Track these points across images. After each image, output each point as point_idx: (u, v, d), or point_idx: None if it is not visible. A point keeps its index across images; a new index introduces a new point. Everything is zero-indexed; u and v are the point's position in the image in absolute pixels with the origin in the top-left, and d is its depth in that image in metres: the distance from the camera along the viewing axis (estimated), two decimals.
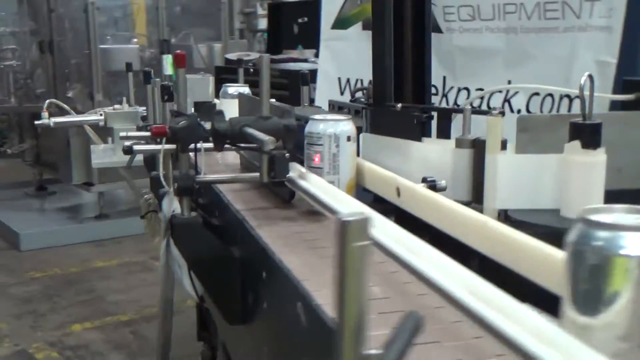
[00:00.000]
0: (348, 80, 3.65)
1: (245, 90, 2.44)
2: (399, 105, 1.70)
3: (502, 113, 1.53)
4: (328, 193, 1.44)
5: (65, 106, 2.61)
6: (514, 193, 1.49)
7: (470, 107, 1.55)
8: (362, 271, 0.66)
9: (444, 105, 3.30)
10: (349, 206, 1.33)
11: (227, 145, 1.62)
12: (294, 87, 4.28)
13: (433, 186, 1.53)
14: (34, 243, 5.90)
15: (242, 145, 1.59)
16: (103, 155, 2.30)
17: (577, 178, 1.42)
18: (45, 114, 2.45)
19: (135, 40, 6.92)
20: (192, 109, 2.63)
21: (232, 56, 5.31)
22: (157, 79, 2.54)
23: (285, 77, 4.34)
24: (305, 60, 4.35)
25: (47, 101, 2.55)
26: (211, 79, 2.66)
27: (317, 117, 1.71)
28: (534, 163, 1.49)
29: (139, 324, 4.63)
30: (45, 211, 6.53)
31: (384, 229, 1.16)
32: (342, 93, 3.65)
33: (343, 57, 3.67)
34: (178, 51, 1.67)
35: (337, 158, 1.71)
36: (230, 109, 2.22)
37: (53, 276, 5.52)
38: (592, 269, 0.81)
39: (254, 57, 4.97)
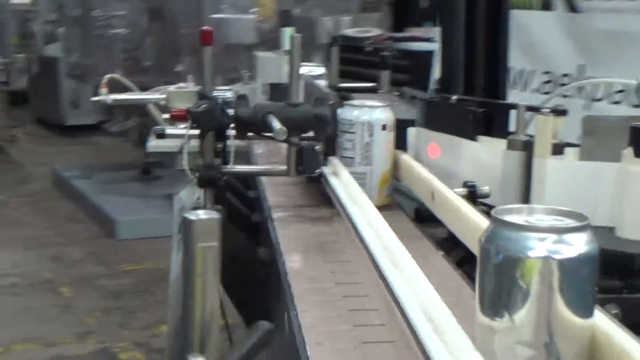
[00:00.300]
0: None
1: (320, 71, 2.51)
2: (454, 97, 1.73)
3: (559, 112, 1.54)
4: (349, 195, 1.50)
5: (127, 81, 2.79)
6: (565, 204, 1.48)
7: (524, 104, 1.56)
8: (209, 273, 0.73)
9: (577, 99, 3.25)
10: (362, 212, 1.39)
11: (250, 134, 1.71)
12: (415, 69, 4.32)
13: (473, 192, 1.56)
14: (130, 232, 6.20)
15: (266, 134, 1.67)
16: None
17: (634, 192, 1.41)
18: (103, 89, 2.63)
19: (254, 10, 7.14)
20: (267, 91, 2.76)
21: (349, 32, 5.40)
22: None
23: (406, 58, 4.38)
24: (429, 40, 4.36)
25: (106, 76, 2.74)
26: (285, 58, 2.76)
27: (352, 102, 1.78)
28: (589, 172, 1.50)
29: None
30: (146, 198, 6.79)
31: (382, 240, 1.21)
32: None
33: None
34: (205, 27, 1.78)
35: (370, 148, 1.79)
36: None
37: (147, 270, 5.82)
38: (496, 269, 0.87)
39: (375, 34, 5.03)
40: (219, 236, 0.73)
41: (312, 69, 2.50)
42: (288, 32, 6.97)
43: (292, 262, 1.47)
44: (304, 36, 4.23)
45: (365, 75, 3.70)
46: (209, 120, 1.69)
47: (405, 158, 1.77)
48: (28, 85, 9.76)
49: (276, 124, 1.56)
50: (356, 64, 4.37)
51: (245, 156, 2.40)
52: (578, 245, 0.86)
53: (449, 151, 1.75)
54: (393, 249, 1.16)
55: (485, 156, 1.66)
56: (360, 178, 1.82)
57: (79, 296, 5.06)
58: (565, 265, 0.85)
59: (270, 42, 7.89)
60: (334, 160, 1.78)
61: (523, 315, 0.85)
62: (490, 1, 1.84)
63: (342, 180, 1.64)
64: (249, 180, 2.14)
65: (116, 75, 2.94)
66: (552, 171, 1.50)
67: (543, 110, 1.49)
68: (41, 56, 9.27)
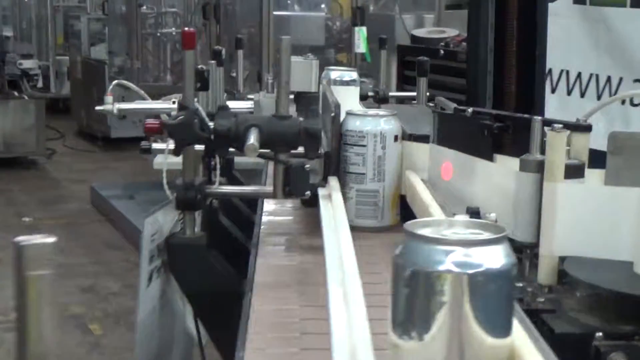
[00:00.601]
0: (550, 72, 3.65)
1: (353, 75, 2.55)
2: (470, 109, 1.76)
3: (579, 127, 1.55)
4: (329, 225, 1.55)
5: (135, 87, 2.87)
6: (579, 235, 1.51)
7: (538, 117, 1.58)
8: (41, 303, 0.79)
9: None
10: (336, 246, 1.42)
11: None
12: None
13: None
14: None
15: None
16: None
17: None
18: (109, 97, 2.71)
19: (323, 6, 7.24)
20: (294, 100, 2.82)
21: (420, 32, 5.44)
22: None
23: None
24: None
25: (114, 82, 2.83)
26: (315, 63, 2.81)
27: (356, 111, 1.83)
28: (608, 198, 1.51)
29: None
30: None
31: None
32: None
33: (548, 39, 3.67)
34: (187, 28, 1.85)
35: (383, 162, 1.86)
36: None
37: None
38: (406, 284, 0.92)
39: (450, 34, 5.05)
40: (50, 264, 0.79)
41: (343, 74, 2.53)
42: (361, 32, 7.06)
43: (258, 296, 1.52)
44: (380, 36, 4.23)
45: (436, 82, 3.72)
46: (185, 134, 1.75)
47: (411, 176, 1.81)
48: (71, 92, 10.03)
49: (251, 139, 1.61)
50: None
51: (257, 176, 2.47)
52: (491, 259, 0.91)
53: (462, 172, 1.78)
54: (348, 288, 1.21)
55: (499, 178, 1.68)
56: (371, 196, 1.89)
57: (110, 334, 5.14)
58: (477, 280, 0.90)
59: (342, 42, 8.01)
60: (332, 181, 1.83)
61: (433, 333, 0.90)
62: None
63: (333, 205, 1.68)
64: (252, 203, 2.21)
65: (124, 82, 3.03)
66: (563, 197, 1.51)
67: (555, 125, 1.50)
68: (86, 59, 9.52)
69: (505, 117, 1.76)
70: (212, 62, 2.52)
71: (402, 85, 5.25)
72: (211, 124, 1.76)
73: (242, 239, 2.07)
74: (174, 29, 7.84)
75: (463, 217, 1.00)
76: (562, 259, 1.54)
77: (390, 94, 3.55)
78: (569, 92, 3.46)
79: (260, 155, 1.76)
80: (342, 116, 1.88)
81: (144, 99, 2.89)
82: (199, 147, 1.87)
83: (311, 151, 1.77)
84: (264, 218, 2.01)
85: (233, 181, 2.46)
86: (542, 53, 1.97)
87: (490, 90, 1.93)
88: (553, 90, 3.61)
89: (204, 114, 1.80)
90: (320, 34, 7.03)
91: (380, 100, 3.39)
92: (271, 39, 6.88)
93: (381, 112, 1.88)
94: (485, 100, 1.95)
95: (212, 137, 1.75)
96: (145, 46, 7.94)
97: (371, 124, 1.85)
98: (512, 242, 1.64)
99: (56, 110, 10.31)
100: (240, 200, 2.31)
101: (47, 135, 8.97)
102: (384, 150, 1.85)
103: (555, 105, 3.42)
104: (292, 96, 2.94)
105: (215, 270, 1.87)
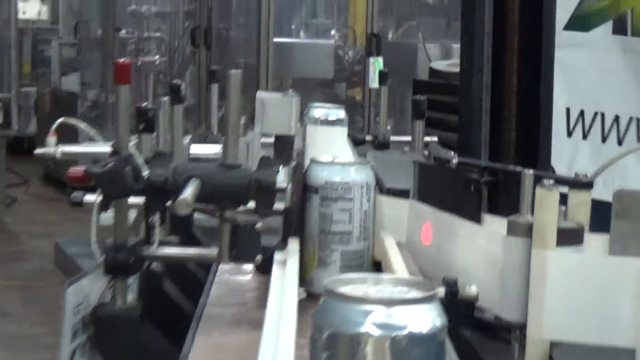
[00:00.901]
0: (582, 113, 3.63)
1: (340, 114, 2.53)
2: (454, 160, 1.75)
3: (576, 184, 1.54)
4: (276, 298, 1.54)
5: (83, 125, 2.85)
6: (573, 317, 1.50)
7: (530, 170, 1.57)
8: None
9: None
10: (276, 323, 1.42)
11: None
12: None
13: (452, 293, 1.57)
14: None
15: (199, 207, 1.73)
16: None
17: None
18: (52, 138, 2.70)
19: (333, 32, 7.27)
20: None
21: (439, 65, 5.45)
22: None
23: None
24: None
25: (58, 121, 2.82)
26: (295, 101, 2.79)
27: (322, 159, 1.84)
28: (607, 270, 1.49)
29: None
30: None
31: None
32: (569, 133, 3.64)
33: (579, 75, 3.65)
34: (122, 59, 1.85)
35: (368, 217, 1.87)
36: (318, 144, 2.36)
37: None
38: (325, 348, 0.96)
39: None
40: None
41: (328, 112, 2.51)
42: (377, 63, 7.08)
43: None
44: (399, 68, 4.26)
45: (455, 123, 3.71)
46: (114, 184, 1.75)
47: (386, 240, 1.81)
48: (37, 129, 10.04)
49: (186, 192, 1.61)
50: (443, 108, 4.40)
51: None
52: (417, 320, 0.93)
53: (444, 235, 1.77)
54: None
55: (484, 243, 1.67)
56: (358, 258, 1.88)
57: None
58: (400, 344, 0.92)
59: (355, 75, 8.03)
60: (292, 244, 1.82)
61: None
62: (525, 22, 1.88)
63: (285, 272, 1.67)
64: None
65: (72, 119, 3.02)
66: (554, 269, 1.51)
67: (545, 181, 1.49)
68: (56, 90, 9.56)
69: (497, 169, 1.75)
70: (165, 98, 2.52)
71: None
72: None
73: (188, 309, 2.06)
74: (158, 57, 7.85)
75: (390, 275, 1.06)
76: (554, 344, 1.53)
77: (394, 138, 3.56)
78: (604, 139, 3.44)
79: (203, 212, 1.75)
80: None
81: (93, 140, 2.88)
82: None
83: (263, 207, 1.76)
84: (216, 283, 2.00)
85: (191, 241, 2.44)
86: (547, 92, 1.96)
87: (486, 135, 1.92)
88: (570, 134, 3.60)
89: (139, 161, 1.79)
90: (329, 65, 7.06)
91: (380, 145, 3.38)
92: (271, 70, 6.88)
93: (354, 159, 1.88)
94: (480, 147, 1.95)
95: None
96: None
97: (354, 174, 1.87)
98: (499, 320, 1.64)
99: (19, 151, 10.28)
100: (197, 265, 2.31)
101: (7, 181, 9.00)
102: (368, 203, 1.87)
103: (586, 153, 3.40)
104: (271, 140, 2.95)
105: (148, 347, 1.85)
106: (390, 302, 0.94)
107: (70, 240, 7.60)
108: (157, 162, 1.75)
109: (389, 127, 3.55)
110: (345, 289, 0.97)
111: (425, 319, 0.94)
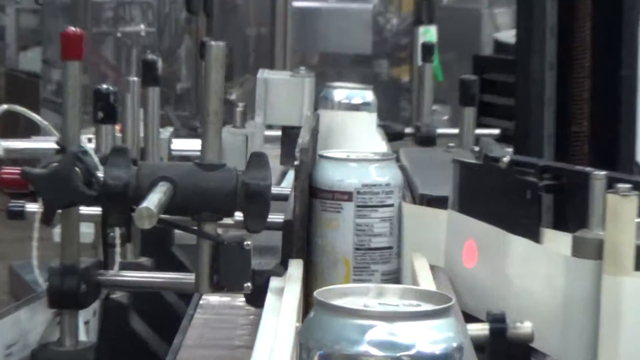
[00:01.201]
0: None
1: (367, 96, 2.52)
2: (506, 158, 1.75)
3: None
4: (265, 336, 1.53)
5: (34, 115, 2.82)
6: None
7: (601, 172, 1.56)
8: None
9: None
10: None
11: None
12: None
13: (499, 331, 1.57)
14: None
15: (162, 217, 1.71)
16: None
17: None
18: None
19: None
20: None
21: (505, 37, 5.42)
22: None
23: None
24: None
25: (1, 107, 2.82)
26: (308, 82, 2.79)
27: (326, 154, 1.86)
28: None
29: None
30: None
31: None
32: None
33: None
34: (71, 28, 1.84)
35: (402, 227, 1.88)
36: (336, 135, 2.35)
37: None
38: None
39: None
40: None
41: (351, 94, 2.49)
42: (429, 34, 7.06)
43: None
44: (457, 41, 4.31)
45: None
46: (58, 190, 1.74)
47: (416, 262, 1.82)
48: None
49: (150, 200, 1.60)
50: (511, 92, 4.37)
51: None
52: (428, 338, 0.94)
53: (491, 255, 1.76)
54: None
55: (543, 267, 1.67)
56: (395, 279, 1.88)
57: None
58: None
59: (400, 50, 7.99)
60: (293, 267, 1.80)
61: None
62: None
63: (282, 305, 1.66)
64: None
65: (17, 107, 3.02)
66: (631, 299, 1.51)
67: (619, 185, 1.49)
68: (12, 71, 9.58)
69: (560, 170, 1.74)
70: (134, 79, 2.51)
71: (479, 115, 5.23)
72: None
73: (161, 352, 2.06)
74: (143, 26, 7.81)
75: (396, 285, 1.09)
76: None
77: (443, 130, 3.55)
78: None
79: (174, 227, 1.75)
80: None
81: (50, 134, 2.88)
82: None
83: (255, 219, 1.74)
84: (198, 318, 1.99)
85: (169, 263, 2.45)
86: (631, 68, 1.95)
87: (550, 128, 1.91)
88: None
89: (94, 160, 1.78)
90: (366, 36, 7.02)
91: (422, 140, 3.38)
92: (289, 43, 6.84)
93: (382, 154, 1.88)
94: (542, 144, 1.94)
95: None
96: (98, 52, 7.95)
97: (389, 173, 1.87)
98: None
99: None
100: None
101: None
102: (400, 212, 1.89)
103: None
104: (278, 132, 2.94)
105: None
106: (393, 317, 0.95)
107: (27, 264, 7.63)
108: (116, 160, 1.73)
109: (444, 117, 3.54)
110: (340, 301, 0.98)
111: (437, 337, 0.95)
